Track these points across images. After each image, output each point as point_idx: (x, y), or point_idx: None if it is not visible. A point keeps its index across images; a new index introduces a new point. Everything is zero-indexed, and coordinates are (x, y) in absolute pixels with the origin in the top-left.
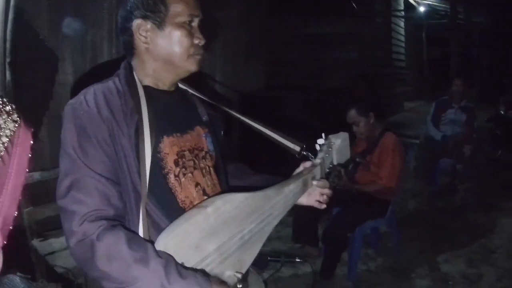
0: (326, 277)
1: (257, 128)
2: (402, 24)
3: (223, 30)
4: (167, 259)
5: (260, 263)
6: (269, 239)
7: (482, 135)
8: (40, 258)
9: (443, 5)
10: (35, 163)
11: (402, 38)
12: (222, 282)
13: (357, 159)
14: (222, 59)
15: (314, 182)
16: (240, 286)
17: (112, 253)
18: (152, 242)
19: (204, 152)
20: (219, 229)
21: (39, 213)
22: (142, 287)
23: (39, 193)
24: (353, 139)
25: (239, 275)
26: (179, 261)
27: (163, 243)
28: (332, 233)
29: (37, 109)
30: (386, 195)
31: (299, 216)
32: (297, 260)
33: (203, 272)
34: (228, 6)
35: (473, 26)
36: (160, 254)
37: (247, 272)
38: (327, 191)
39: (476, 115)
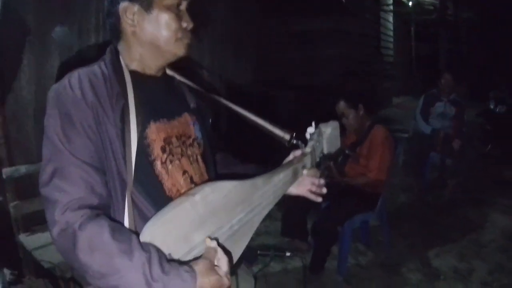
0: (316, 272)
1: (247, 117)
2: (390, 19)
3: (212, 26)
4: (151, 251)
5: (249, 257)
6: (258, 233)
7: (471, 130)
8: (27, 253)
9: (432, 1)
10: (21, 157)
11: (391, 33)
12: (210, 273)
13: (346, 151)
14: (210, 55)
15: (305, 171)
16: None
17: (94, 244)
18: (137, 233)
19: (191, 139)
20: (207, 218)
21: (26, 207)
22: (126, 281)
23: (25, 187)
24: (342, 131)
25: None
26: (166, 251)
27: (149, 233)
28: (322, 227)
29: (24, 103)
30: (375, 188)
31: (288, 210)
32: (287, 254)
33: (189, 264)
34: (217, 1)
35: (461, 21)
36: (144, 246)
37: (237, 264)
38: (317, 180)
39: (465, 109)
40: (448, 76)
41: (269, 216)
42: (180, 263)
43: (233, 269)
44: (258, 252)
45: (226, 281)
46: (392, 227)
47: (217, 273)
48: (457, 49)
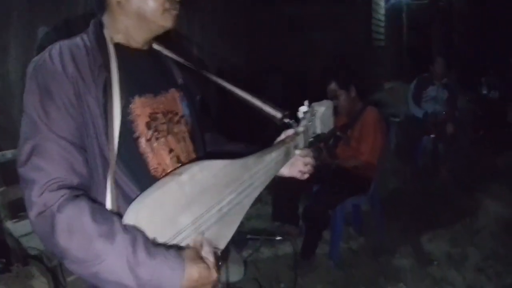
0: (307, 257)
1: (237, 94)
2: (382, 3)
3: (202, 9)
4: (135, 234)
5: (239, 241)
6: (248, 217)
7: (463, 116)
8: (15, 241)
9: None
10: (8, 142)
11: (383, 18)
12: (199, 262)
13: (338, 133)
14: (200, 39)
15: (297, 151)
16: (219, 263)
17: (73, 227)
18: (120, 215)
19: (179, 116)
20: (195, 199)
21: (13, 193)
22: (106, 267)
23: (12, 173)
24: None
25: (218, 252)
26: (151, 235)
27: (133, 214)
28: (312, 211)
29: (10, 87)
30: (367, 172)
31: (279, 194)
32: (277, 238)
33: (176, 250)
34: None
35: (454, 7)
36: (127, 229)
37: (227, 249)
38: (310, 160)
39: (458, 93)
40: (440, 60)
41: (259, 200)
42: (167, 247)
43: (224, 253)
44: (248, 236)
45: (214, 273)
46: (384, 212)
47: (205, 263)
48: (449, 35)
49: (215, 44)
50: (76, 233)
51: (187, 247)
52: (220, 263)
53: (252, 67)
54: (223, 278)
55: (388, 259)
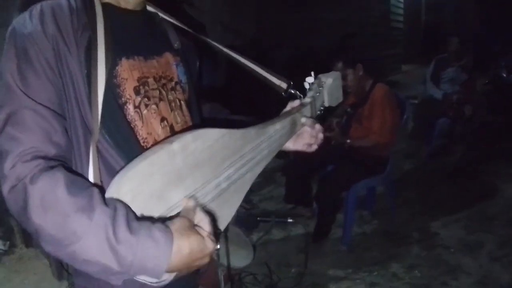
0: (318, 240)
1: (240, 61)
2: None
3: None
4: (115, 208)
5: (249, 224)
6: (260, 199)
7: (481, 98)
8: (18, 223)
9: None
10: None
11: None
12: (190, 233)
13: (348, 110)
14: (210, 16)
15: (303, 120)
16: (218, 247)
17: (47, 200)
18: (102, 188)
19: (173, 82)
20: (189, 172)
21: None
22: (85, 246)
23: None
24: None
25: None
26: (138, 212)
27: (116, 188)
28: (325, 192)
29: None
30: (380, 151)
31: (292, 176)
32: (289, 220)
33: (163, 223)
34: None
35: None
36: (108, 202)
37: (227, 229)
38: (318, 131)
39: (477, 75)
40: (455, 40)
41: (273, 181)
42: (153, 221)
43: (222, 233)
44: (258, 218)
45: (209, 243)
46: (398, 194)
47: (198, 233)
48: (468, 16)
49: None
50: (50, 208)
51: (177, 216)
52: (218, 232)
53: (260, 44)
54: (222, 258)
55: (401, 244)
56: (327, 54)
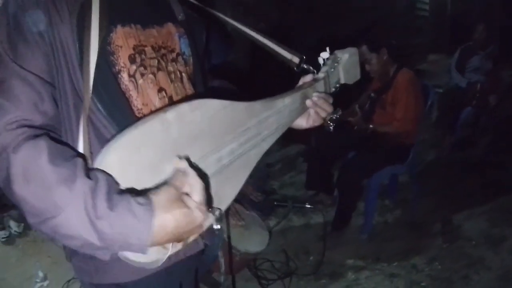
0: (338, 228)
1: (250, 35)
2: None
3: None
4: (98, 179)
5: (265, 208)
6: (281, 185)
7: (507, 88)
8: None
9: None
10: None
11: None
12: (175, 206)
13: (372, 94)
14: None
15: (315, 94)
16: (218, 227)
17: (29, 171)
18: (91, 158)
19: (175, 54)
20: (186, 144)
21: None
22: (65, 219)
23: None
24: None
25: (217, 212)
26: (128, 185)
27: (103, 158)
28: (347, 179)
29: None
30: (403, 139)
31: (314, 162)
32: (307, 206)
33: (146, 194)
34: None
35: None
36: (91, 173)
37: (228, 209)
38: (329, 104)
39: (504, 64)
40: (480, 28)
41: (294, 168)
42: (137, 192)
43: (223, 213)
44: (276, 203)
45: (198, 215)
46: (421, 184)
47: (185, 205)
48: (493, 6)
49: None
50: (31, 179)
51: (164, 184)
52: (216, 209)
53: (286, 28)
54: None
55: (423, 235)
56: (353, 40)
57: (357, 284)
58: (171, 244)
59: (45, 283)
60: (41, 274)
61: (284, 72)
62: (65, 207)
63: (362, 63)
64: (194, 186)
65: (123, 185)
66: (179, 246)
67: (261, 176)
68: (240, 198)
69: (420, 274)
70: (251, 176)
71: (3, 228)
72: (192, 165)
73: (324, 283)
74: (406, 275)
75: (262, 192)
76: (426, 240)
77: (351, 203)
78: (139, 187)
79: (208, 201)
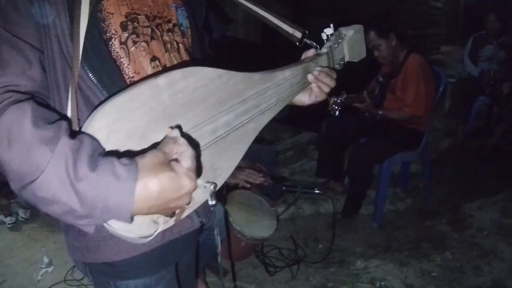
0: (348, 215)
1: (249, 8)
2: None
3: None
4: (82, 141)
5: (273, 193)
6: (292, 172)
7: None
8: None
9: None
10: None
11: None
12: (161, 169)
13: (380, 79)
14: None
15: (317, 68)
16: (213, 203)
17: (12, 133)
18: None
19: (171, 24)
20: (178, 112)
21: None
22: (43, 180)
23: None
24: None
25: (211, 186)
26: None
27: (89, 123)
28: (357, 164)
29: None
30: (415, 125)
31: (324, 149)
32: (316, 191)
33: (130, 159)
34: None
35: None
36: (75, 135)
37: (223, 187)
38: (331, 78)
39: None
40: (492, 17)
41: (305, 155)
42: (121, 154)
43: (219, 189)
44: (284, 188)
45: (186, 182)
46: (433, 173)
47: (171, 169)
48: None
49: None
50: (14, 141)
51: (152, 149)
52: (200, 173)
53: (299, 13)
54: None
55: (434, 224)
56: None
57: (366, 273)
58: (162, 219)
59: (50, 269)
60: (46, 260)
61: (293, 48)
62: (45, 168)
63: (371, 49)
64: (184, 153)
65: (111, 150)
66: (171, 222)
67: (270, 162)
68: (250, 183)
69: (430, 264)
70: (260, 161)
71: (10, 214)
72: (184, 134)
73: (333, 271)
74: (416, 264)
75: (270, 177)
76: (437, 229)
77: (361, 190)
78: (128, 155)
79: (199, 171)
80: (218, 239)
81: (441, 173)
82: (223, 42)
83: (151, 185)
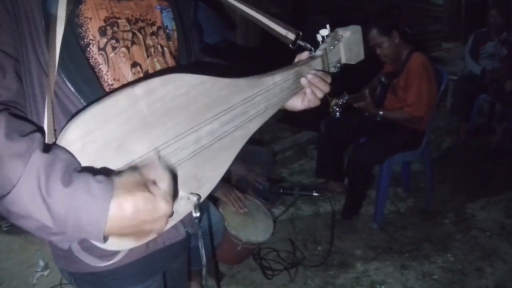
0: (348, 216)
1: (239, 8)
2: None
3: None
4: (56, 155)
5: (270, 196)
6: (290, 173)
7: None
8: None
9: None
10: None
11: None
12: (137, 189)
13: (382, 79)
14: None
15: (311, 72)
16: (197, 215)
17: None
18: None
19: (155, 27)
20: (157, 122)
21: None
22: (18, 196)
23: None
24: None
25: (195, 198)
26: (90, 163)
27: (63, 135)
28: (357, 164)
29: None
30: (416, 125)
31: (324, 149)
32: (314, 194)
33: (105, 177)
34: None
35: None
36: (50, 149)
37: (207, 198)
38: (326, 83)
39: None
40: (494, 12)
41: (304, 155)
42: (97, 171)
43: (202, 199)
44: (281, 190)
45: (162, 205)
46: (435, 172)
47: (148, 190)
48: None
49: None
50: None
51: (128, 169)
52: (176, 192)
53: (299, 11)
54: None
55: (436, 224)
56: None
57: (366, 276)
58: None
59: (46, 272)
60: (42, 263)
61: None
62: (17, 182)
63: (373, 47)
64: (161, 177)
65: (85, 163)
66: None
67: (266, 163)
68: (244, 185)
69: (432, 266)
70: (256, 163)
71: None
72: (161, 158)
73: (332, 274)
74: (417, 266)
75: (267, 180)
76: (439, 230)
77: (361, 191)
78: (103, 166)
79: (175, 195)
80: (203, 252)
81: (443, 172)
82: (224, 46)
83: (125, 204)
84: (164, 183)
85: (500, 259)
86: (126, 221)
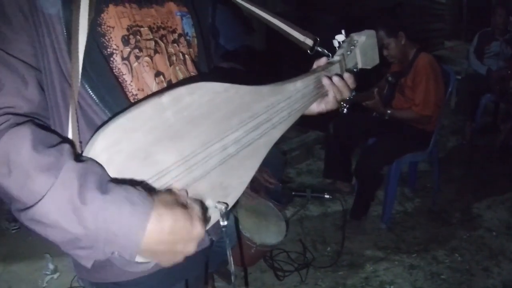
0: (357, 217)
1: (258, 14)
2: None
3: None
4: (87, 166)
5: (283, 198)
6: (298, 173)
7: None
8: None
9: None
10: None
11: None
12: (176, 205)
13: (389, 78)
14: None
15: (337, 75)
16: (225, 223)
17: (11, 159)
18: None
19: (177, 34)
20: (184, 131)
21: None
22: (44, 208)
23: None
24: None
25: (223, 207)
26: (116, 175)
27: (90, 146)
28: (366, 166)
29: None
30: (424, 125)
31: (332, 149)
32: (325, 196)
33: (144, 190)
34: None
35: None
36: (79, 161)
37: (235, 205)
38: (349, 89)
39: None
40: (501, 11)
41: (312, 155)
42: (133, 184)
43: (229, 208)
44: (293, 193)
45: (197, 226)
46: (441, 172)
47: (185, 209)
48: None
49: None
50: (13, 167)
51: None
52: (207, 215)
53: (303, 8)
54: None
55: (443, 224)
56: (373, 22)
57: (375, 276)
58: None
59: (55, 275)
60: (51, 266)
61: (302, 54)
62: (46, 195)
63: (380, 48)
64: (193, 201)
65: (113, 174)
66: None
67: (277, 164)
68: (257, 188)
69: (440, 266)
70: (267, 165)
71: (14, 220)
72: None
73: (342, 275)
74: (425, 266)
75: (278, 181)
76: (446, 230)
77: (370, 192)
78: (130, 176)
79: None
80: (231, 259)
81: (449, 172)
82: (243, 52)
83: (165, 217)
84: (197, 207)
85: (507, 259)
86: (164, 236)
